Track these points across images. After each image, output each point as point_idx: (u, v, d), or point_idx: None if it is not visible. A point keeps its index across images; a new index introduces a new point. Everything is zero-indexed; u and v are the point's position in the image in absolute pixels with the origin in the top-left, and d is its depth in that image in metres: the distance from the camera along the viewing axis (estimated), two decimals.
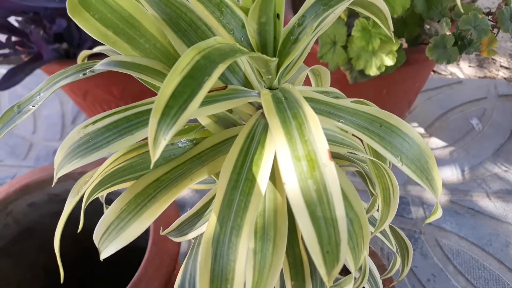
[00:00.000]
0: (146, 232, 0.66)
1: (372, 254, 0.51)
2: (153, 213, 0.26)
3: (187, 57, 0.19)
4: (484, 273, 0.75)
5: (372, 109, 0.27)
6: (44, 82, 0.26)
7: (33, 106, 0.25)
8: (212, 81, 0.18)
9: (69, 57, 0.80)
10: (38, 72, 1.22)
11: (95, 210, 0.42)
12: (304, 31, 0.24)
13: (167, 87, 0.18)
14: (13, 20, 0.80)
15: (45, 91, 0.25)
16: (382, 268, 0.49)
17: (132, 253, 0.66)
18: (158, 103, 0.18)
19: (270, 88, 0.27)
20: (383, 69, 0.64)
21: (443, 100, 1.06)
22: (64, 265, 0.70)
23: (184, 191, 0.93)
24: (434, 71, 1.18)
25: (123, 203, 0.27)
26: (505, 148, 0.94)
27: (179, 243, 0.57)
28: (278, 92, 0.25)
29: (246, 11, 0.23)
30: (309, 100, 0.27)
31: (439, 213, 0.30)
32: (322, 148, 0.21)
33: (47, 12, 0.73)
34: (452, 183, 0.89)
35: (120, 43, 0.25)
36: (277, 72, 0.25)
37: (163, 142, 0.17)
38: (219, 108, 0.25)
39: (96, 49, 0.31)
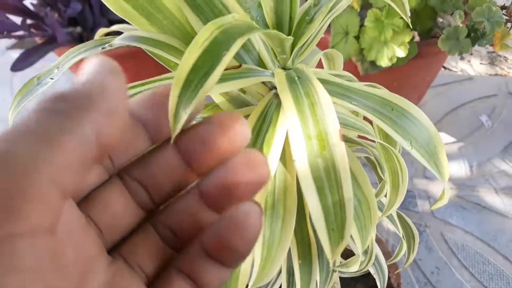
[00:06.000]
0: None
1: (378, 241, 0.51)
2: None
3: (206, 32, 0.19)
4: (488, 268, 0.76)
5: (384, 92, 0.28)
6: (63, 55, 0.26)
7: (51, 78, 0.25)
8: (230, 55, 0.18)
9: (82, 41, 0.81)
10: (50, 57, 1.23)
11: None
12: (320, 10, 0.24)
13: (186, 61, 0.18)
14: (28, 3, 0.81)
15: (64, 64, 0.25)
16: (387, 255, 0.50)
17: None
18: (178, 77, 0.18)
19: (284, 68, 0.27)
20: (394, 60, 0.64)
21: (453, 96, 1.06)
22: None
23: None
24: (444, 67, 1.17)
25: None
26: None
27: None
28: (291, 72, 0.25)
29: None
30: (322, 81, 0.27)
31: (445, 200, 0.30)
32: (333, 128, 0.22)
33: None
34: (460, 178, 0.89)
35: (138, 18, 0.26)
36: (291, 51, 0.26)
37: (183, 116, 0.18)
38: (234, 85, 0.25)
39: (114, 27, 0.32)
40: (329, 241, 0.20)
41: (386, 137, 0.36)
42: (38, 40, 0.78)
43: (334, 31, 0.68)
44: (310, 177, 0.21)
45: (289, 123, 0.22)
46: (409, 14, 0.33)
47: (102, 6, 0.77)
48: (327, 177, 0.21)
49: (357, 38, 0.67)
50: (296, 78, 0.25)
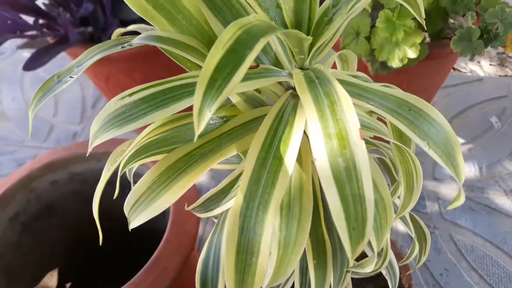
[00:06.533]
0: (165, 215, 0.67)
1: (390, 243, 0.51)
2: (184, 186, 0.27)
3: (229, 33, 0.20)
4: (497, 270, 0.75)
5: (401, 93, 0.28)
6: (83, 54, 0.27)
7: (71, 77, 0.26)
8: (254, 55, 0.19)
9: (93, 41, 0.81)
10: (60, 57, 1.24)
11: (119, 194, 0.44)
12: (339, 12, 0.24)
13: (211, 61, 0.19)
14: (40, 3, 0.82)
15: (84, 63, 0.26)
16: (398, 257, 0.50)
17: (151, 238, 0.67)
18: (203, 75, 0.18)
19: (302, 68, 0.27)
20: (405, 61, 0.64)
21: (463, 97, 1.06)
22: (83, 246, 0.71)
23: (200, 178, 0.94)
24: (454, 69, 1.17)
25: (155, 175, 0.27)
26: None
27: (198, 225, 0.58)
28: (309, 72, 0.26)
29: None
30: (339, 81, 0.27)
31: (461, 200, 0.30)
32: (354, 127, 0.22)
33: None
34: (469, 180, 0.89)
35: (158, 18, 0.26)
36: (309, 52, 0.26)
37: (208, 114, 0.18)
38: (252, 85, 0.26)
39: (131, 27, 0.32)
40: (350, 240, 0.21)
41: (401, 137, 0.36)
42: (50, 40, 0.79)
43: (345, 32, 0.68)
44: (331, 176, 0.21)
45: (308, 123, 0.22)
46: (423, 15, 0.33)
47: (114, 6, 0.77)
48: (347, 176, 0.21)
49: (368, 38, 0.67)
50: (314, 77, 0.25)
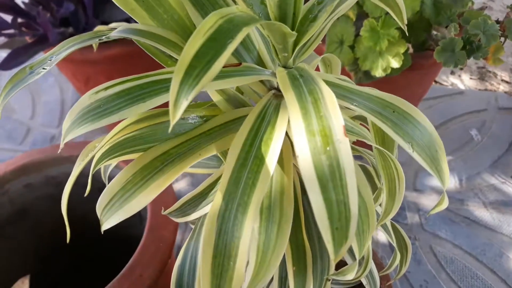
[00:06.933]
0: (142, 221, 0.65)
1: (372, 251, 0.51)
2: (160, 186, 0.26)
3: (210, 21, 0.19)
4: (476, 282, 0.75)
5: (385, 94, 0.27)
6: (58, 45, 0.26)
7: (44, 68, 0.24)
8: (235, 44, 0.18)
9: None
10: (39, 57, 1.21)
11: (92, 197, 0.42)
12: (324, 9, 0.24)
13: (190, 48, 0.18)
14: (19, 1, 0.80)
15: (59, 54, 0.25)
16: (379, 267, 0.49)
17: (127, 245, 0.65)
18: (180, 63, 0.17)
19: (285, 67, 0.27)
20: (388, 71, 0.64)
21: (444, 109, 1.07)
22: (58, 252, 0.69)
23: (180, 184, 0.93)
24: (436, 81, 1.18)
25: (129, 174, 0.26)
26: (503, 160, 0.95)
27: (176, 232, 0.56)
28: (293, 70, 0.25)
29: None
30: (324, 81, 0.27)
31: (444, 205, 0.30)
32: (338, 124, 0.21)
33: None
34: (450, 191, 0.89)
35: (139, 11, 0.25)
36: (293, 50, 0.25)
37: (184, 103, 0.17)
38: (233, 83, 0.25)
39: (112, 25, 0.31)
40: (333, 241, 0.20)
41: (383, 143, 0.35)
42: (28, 39, 0.77)
43: (329, 40, 0.68)
44: (313, 174, 0.20)
45: (291, 120, 0.21)
46: (406, 21, 0.33)
47: (96, 7, 0.76)
48: (331, 174, 0.20)
49: (351, 47, 0.67)
50: (298, 75, 0.24)
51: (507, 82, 1.17)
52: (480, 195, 0.88)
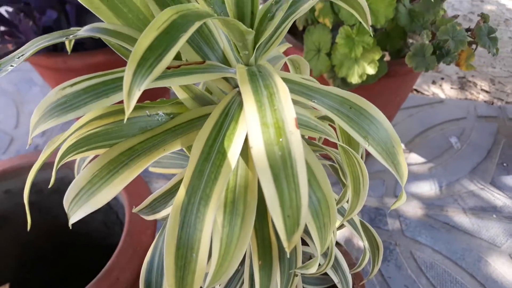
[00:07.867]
0: (121, 226, 0.65)
1: (344, 253, 0.52)
2: (125, 179, 0.27)
3: (164, 15, 0.20)
4: (456, 287, 0.76)
5: (343, 91, 0.28)
6: (27, 44, 0.26)
7: (12, 65, 0.25)
8: (187, 36, 0.19)
9: (56, 50, 0.80)
10: (24, 68, 1.21)
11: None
12: (280, 7, 0.25)
13: (143, 41, 0.19)
14: (3, 10, 0.81)
15: (27, 52, 0.25)
16: (352, 267, 0.50)
17: (106, 251, 0.65)
18: (134, 55, 0.18)
19: (247, 65, 0.28)
20: (364, 77, 0.66)
21: (424, 118, 1.09)
22: (39, 260, 0.68)
23: (156, 184, 0.93)
24: (417, 91, 1.20)
25: (96, 169, 0.27)
26: (481, 167, 0.96)
27: (154, 236, 0.57)
28: (253, 67, 0.26)
29: None
30: (286, 80, 0.28)
31: (403, 200, 0.31)
32: (290, 116, 0.22)
33: (38, 2, 0.73)
34: (429, 198, 0.90)
35: (104, 10, 0.26)
36: (253, 48, 0.26)
37: (137, 93, 0.18)
38: (196, 79, 0.26)
39: (85, 28, 0.32)
40: (284, 228, 0.20)
41: (349, 142, 0.36)
42: (11, 47, 0.78)
43: (307, 48, 0.69)
44: (266, 164, 0.21)
45: (246, 113, 0.22)
46: (370, 21, 0.34)
47: (78, 15, 0.77)
48: (283, 164, 0.21)
49: (329, 55, 0.68)
50: (257, 72, 0.25)
51: (486, 91, 1.20)
52: (460, 201, 0.90)
